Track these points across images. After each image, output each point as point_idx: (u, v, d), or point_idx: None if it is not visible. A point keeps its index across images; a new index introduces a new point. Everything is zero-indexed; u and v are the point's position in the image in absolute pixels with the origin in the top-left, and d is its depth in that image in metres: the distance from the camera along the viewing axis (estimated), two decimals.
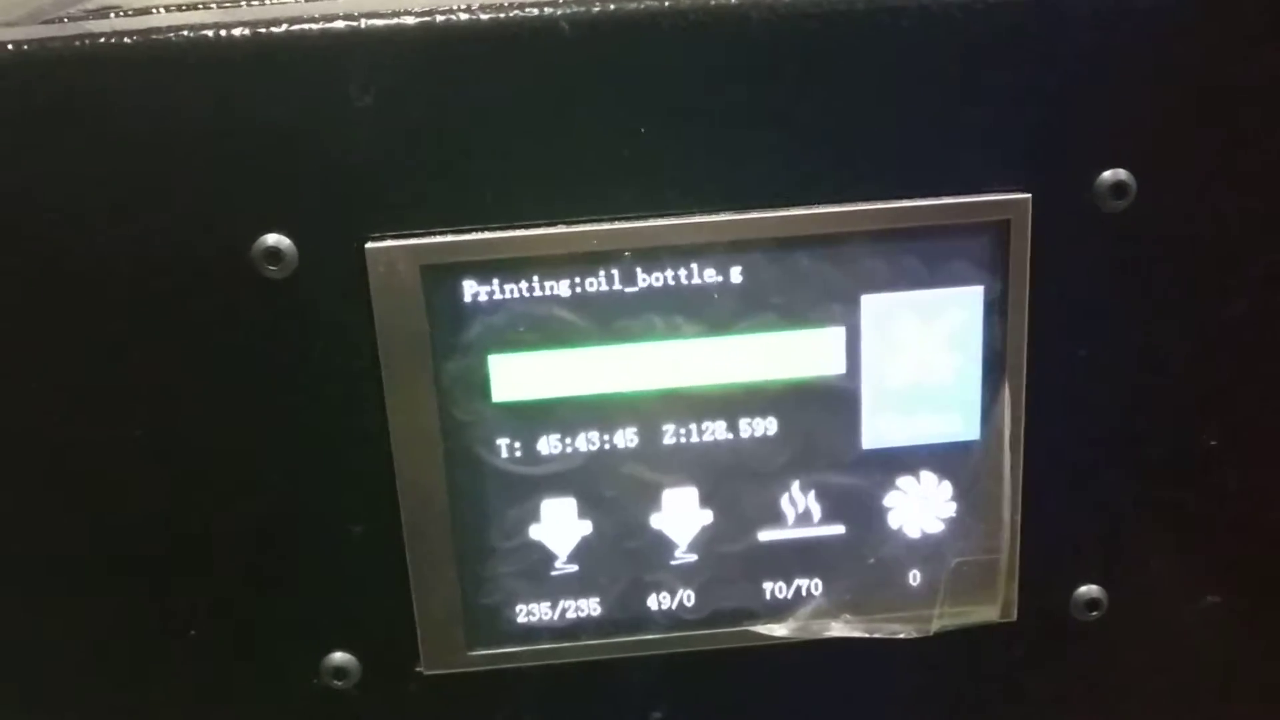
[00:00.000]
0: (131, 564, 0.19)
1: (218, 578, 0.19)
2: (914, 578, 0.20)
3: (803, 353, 0.19)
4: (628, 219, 0.18)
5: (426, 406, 0.18)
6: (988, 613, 0.20)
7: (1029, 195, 0.18)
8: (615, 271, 0.18)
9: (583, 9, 0.17)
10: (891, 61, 0.18)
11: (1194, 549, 0.21)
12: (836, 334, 0.19)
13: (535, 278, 0.18)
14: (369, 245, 0.18)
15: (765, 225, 0.18)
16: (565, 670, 0.20)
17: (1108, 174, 0.18)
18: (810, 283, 0.18)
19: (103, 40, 0.17)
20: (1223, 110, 0.18)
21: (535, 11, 0.17)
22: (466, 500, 0.19)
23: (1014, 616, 0.20)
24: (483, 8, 0.17)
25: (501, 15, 0.17)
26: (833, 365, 0.19)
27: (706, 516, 0.20)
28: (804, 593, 0.20)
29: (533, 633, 0.20)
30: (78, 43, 0.17)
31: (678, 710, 0.21)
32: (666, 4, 0.17)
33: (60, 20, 0.20)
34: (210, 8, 0.19)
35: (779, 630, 0.20)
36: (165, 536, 0.19)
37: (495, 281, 0.18)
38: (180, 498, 0.19)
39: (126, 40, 0.17)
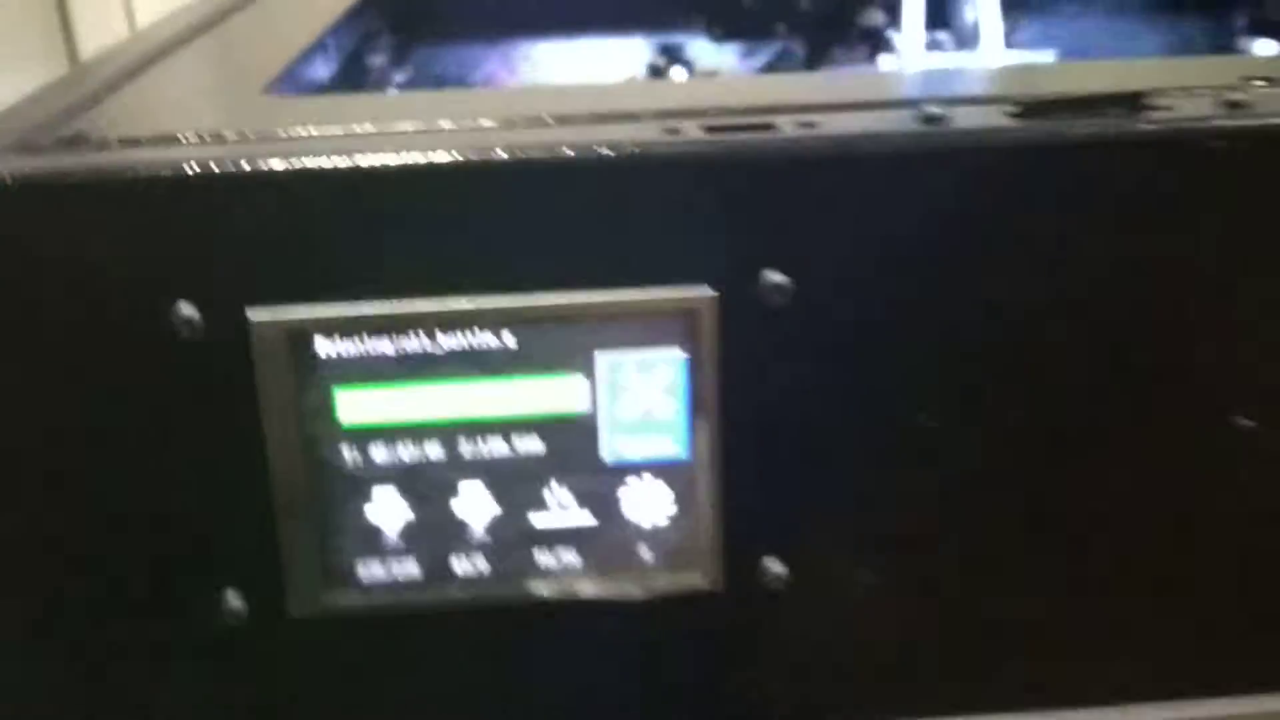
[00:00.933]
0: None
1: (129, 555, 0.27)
2: (643, 553, 0.28)
3: (557, 394, 0.26)
4: (432, 298, 0.26)
5: (291, 427, 0.26)
6: (696, 580, 0.28)
7: (715, 294, 0.26)
8: (424, 333, 0.26)
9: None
10: (613, 204, 0.25)
11: (865, 531, 0.28)
12: (581, 381, 0.26)
13: (368, 336, 0.26)
14: (250, 313, 0.25)
15: (531, 305, 0.26)
16: (393, 617, 0.28)
17: (771, 275, 0.26)
18: (561, 344, 0.26)
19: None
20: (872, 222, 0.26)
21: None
22: (320, 492, 0.27)
23: (719, 586, 0.28)
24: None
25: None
26: (579, 403, 0.26)
27: (494, 506, 0.27)
28: (564, 562, 0.27)
29: (369, 589, 0.27)
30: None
31: (478, 649, 0.29)
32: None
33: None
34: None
35: (544, 590, 0.28)
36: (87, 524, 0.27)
37: (338, 338, 0.26)
38: (100, 488, 0.27)
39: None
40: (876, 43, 0.63)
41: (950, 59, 0.50)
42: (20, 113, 0.30)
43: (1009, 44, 0.67)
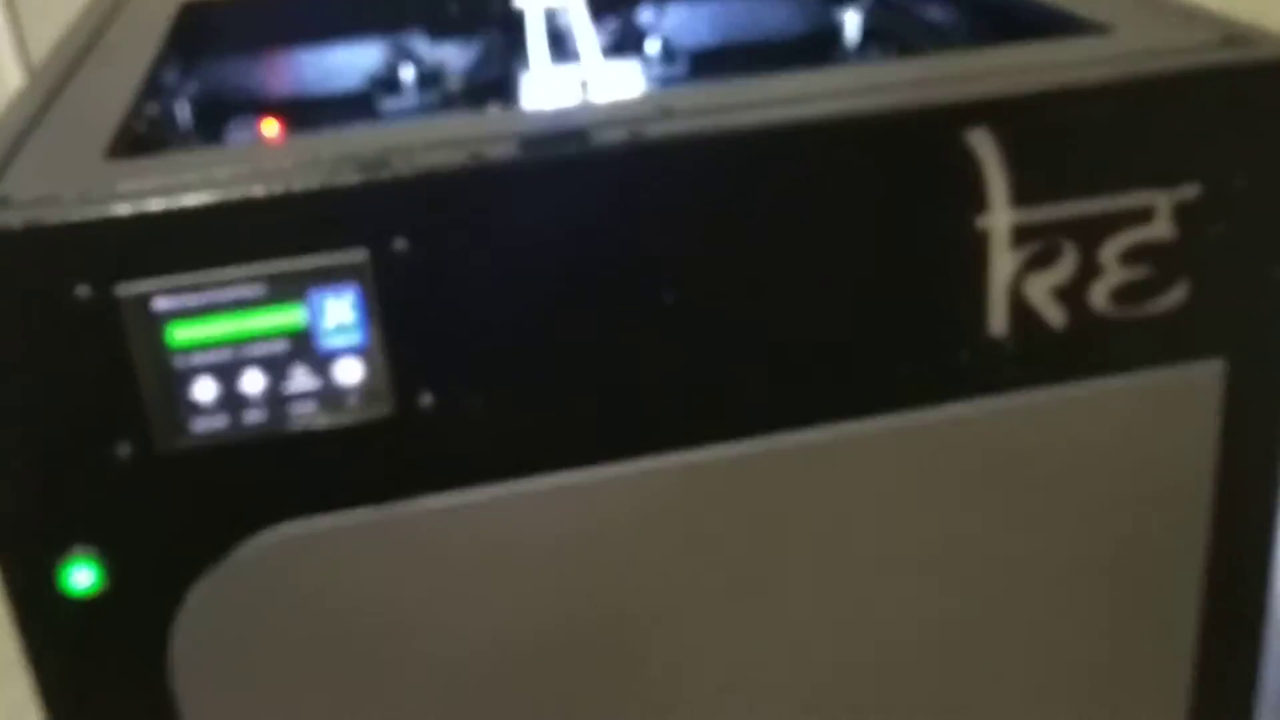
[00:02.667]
0: None
1: None
2: (349, 399, 0.50)
3: (290, 319, 0.49)
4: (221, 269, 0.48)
5: (145, 343, 0.48)
6: (382, 409, 0.51)
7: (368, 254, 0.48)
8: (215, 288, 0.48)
9: None
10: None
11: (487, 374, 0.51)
12: (304, 310, 0.49)
13: (181, 294, 0.48)
14: (117, 288, 0.47)
15: (280, 269, 0.48)
16: (213, 448, 0.50)
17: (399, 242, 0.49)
18: (293, 288, 0.48)
19: None
20: None
21: None
22: (167, 380, 0.49)
23: (393, 412, 0.51)
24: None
25: None
26: (301, 322, 0.49)
27: (263, 381, 0.50)
28: (301, 411, 0.50)
29: (198, 435, 0.49)
30: None
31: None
32: None
33: None
34: None
35: (295, 425, 0.50)
36: None
37: (165, 297, 0.47)
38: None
39: None
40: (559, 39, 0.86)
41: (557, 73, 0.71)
42: None
43: (654, 29, 0.91)
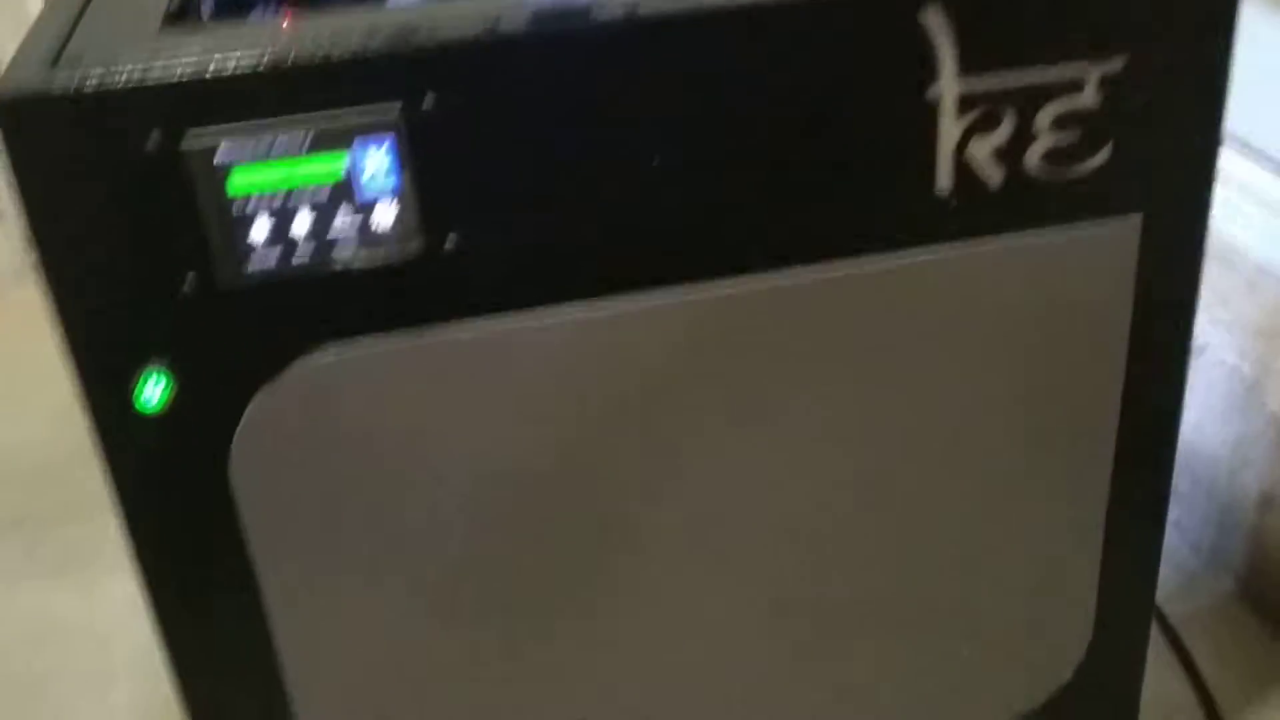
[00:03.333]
0: None
1: None
2: (388, 244, 0.58)
3: (330, 169, 0.56)
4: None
5: (209, 190, 0.55)
6: (414, 249, 0.59)
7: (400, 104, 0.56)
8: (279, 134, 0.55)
9: None
10: None
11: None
12: (344, 158, 0.56)
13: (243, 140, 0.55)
14: (184, 140, 0.54)
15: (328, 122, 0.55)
16: (268, 284, 0.58)
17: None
18: (331, 138, 0.56)
19: None
20: None
21: None
22: (225, 224, 0.56)
23: (421, 252, 0.59)
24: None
25: None
26: (343, 171, 0.56)
27: (309, 224, 0.57)
28: (346, 253, 0.58)
29: (252, 274, 0.57)
30: None
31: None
32: None
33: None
34: None
35: (339, 264, 0.58)
36: None
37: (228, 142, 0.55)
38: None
39: None
40: None
41: None
42: (30, 46, 0.57)
43: None
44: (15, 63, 0.55)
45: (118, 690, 1.00)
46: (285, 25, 0.64)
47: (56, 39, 0.57)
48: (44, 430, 1.35)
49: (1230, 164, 1.04)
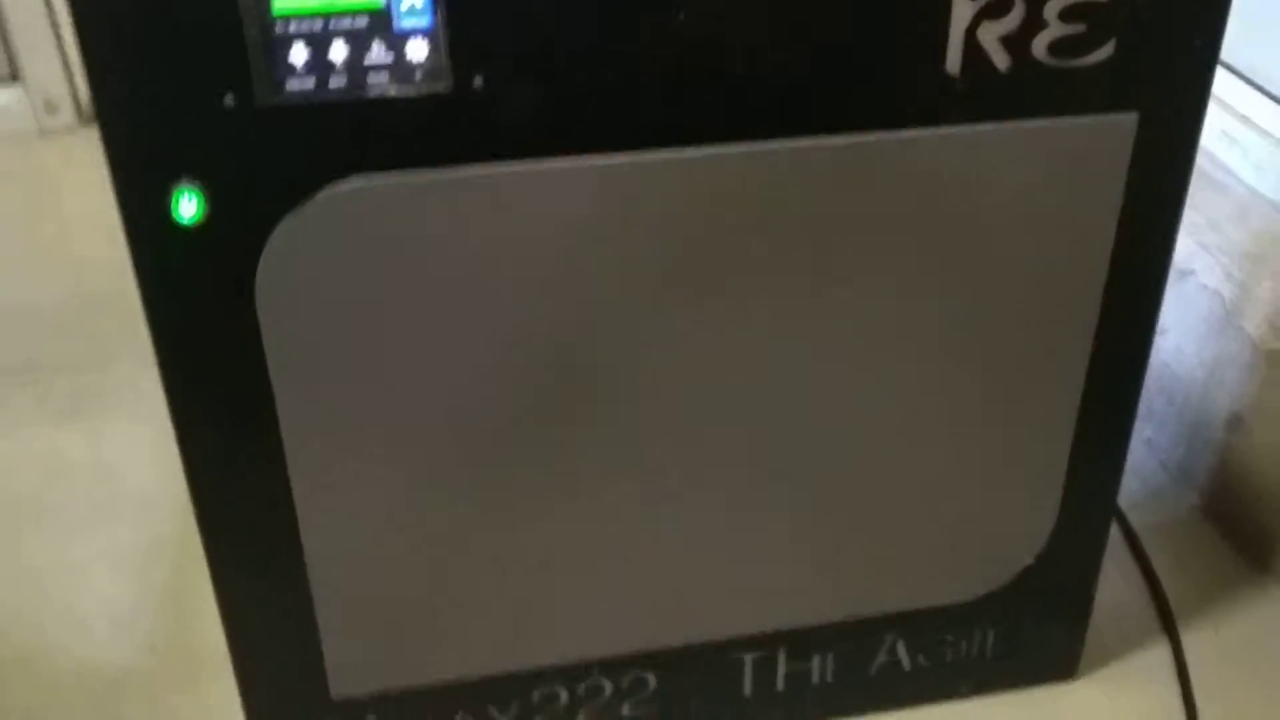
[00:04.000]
0: None
1: None
2: (418, 77, 0.61)
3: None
4: None
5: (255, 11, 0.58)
6: (441, 87, 0.61)
7: None
8: None
9: None
10: None
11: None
12: None
13: None
14: None
15: None
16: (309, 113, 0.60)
17: None
18: None
19: None
20: None
21: None
22: (268, 45, 0.59)
23: (452, 89, 0.62)
24: None
25: None
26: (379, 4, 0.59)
27: (344, 51, 0.60)
28: (379, 80, 0.60)
29: (291, 93, 0.60)
30: None
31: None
32: None
33: None
34: None
35: (377, 91, 0.61)
36: None
37: None
38: None
39: None
40: None
41: None
42: None
43: None
44: None
45: (122, 524, 1.05)
46: None
47: None
48: (59, 285, 1.38)
49: (1227, 91, 1.07)
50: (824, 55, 0.64)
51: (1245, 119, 1.05)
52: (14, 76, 1.61)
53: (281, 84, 0.59)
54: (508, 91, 0.62)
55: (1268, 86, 1.05)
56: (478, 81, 0.61)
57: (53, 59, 1.58)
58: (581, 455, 0.73)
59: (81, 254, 1.43)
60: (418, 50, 0.60)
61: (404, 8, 0.59)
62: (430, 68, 0.60)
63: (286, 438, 0.69)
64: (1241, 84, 1.07)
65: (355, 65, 0.60)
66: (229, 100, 0.59)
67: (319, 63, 0.59)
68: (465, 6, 0.59)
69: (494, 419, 0.71)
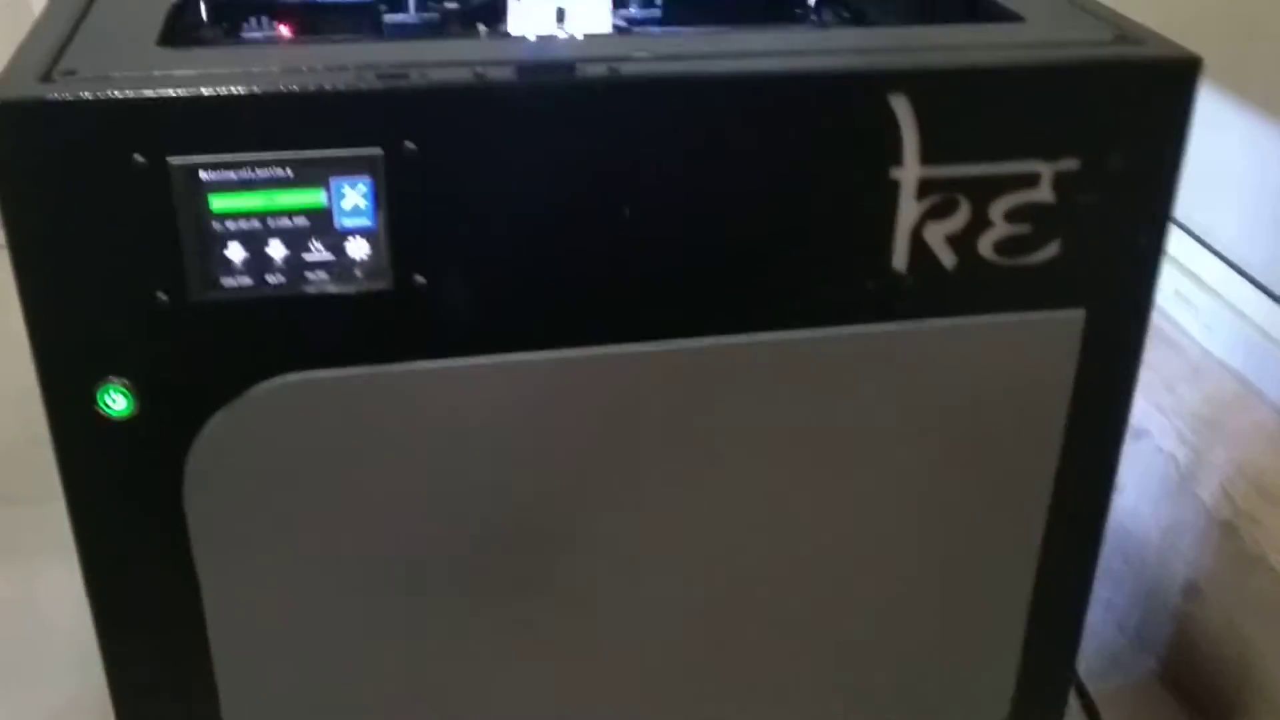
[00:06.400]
0: None
1: None
2: (357, 272, 0.60)
3: (310, 199, 0.58)
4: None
5: (190, 209, 0.57)
6: (383, 285, 0.60)
7: (380, 152, 0.58)
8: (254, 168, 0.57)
9: None
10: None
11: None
12: (323, 193, 0.58)
13: (224, 170, 0.56)
14: (170, 160, 0.55)
15: (305, 157, 0.57)
16: (237, 302, 0.59)
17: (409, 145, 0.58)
18: (311, 174, 0.57)
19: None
20: None
21: None
22: (205, 241, 0.57)
23: (391, 286, 0.60)
24: None
25: None
26: (322, 201, 0.58)
27: (284, 251, 0.59)
28: (319, 276, 0.59)
29: (225, 288, 0.58)
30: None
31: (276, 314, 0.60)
32: None
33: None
34: None
35: (311, 288, 0.59)
36: None
37: (210, 171, 0.56)
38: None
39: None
40: None
41: None
42: (27, 53, 0.58)
43: None
44: (9, 70, 0.57)
45: (58, 677, 1.01)
46: (284, 49, 0.65)
47: (52, 49, 0.59)
48: None
49: (1181, 251, 1.08)
50: (771, 253, 0.64)
51: (1197, 278, 1.06)
52: None
53: (216, 281, 0.58)
54: (448, 289, 0.61)
55: (1218, 247, 1.07)
56: (418, 279, 0.60)
57: None
58: (525, 632, 0.71)
59: (25, 379, 1.40)
60: (359, 249, 0.59)
61: (346, 206, 0.58)
62: (371, 266, 0.59)
63: (212, 627, 0.66)
64: (1193, 243, 1.08)
65: (294, 263, 0.59)
66: (161, 297, 0.58)
67: (257, 260, 0.58)
68: (408, 206, 0.59)
69: (433, 600, 0.69)
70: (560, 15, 0.79)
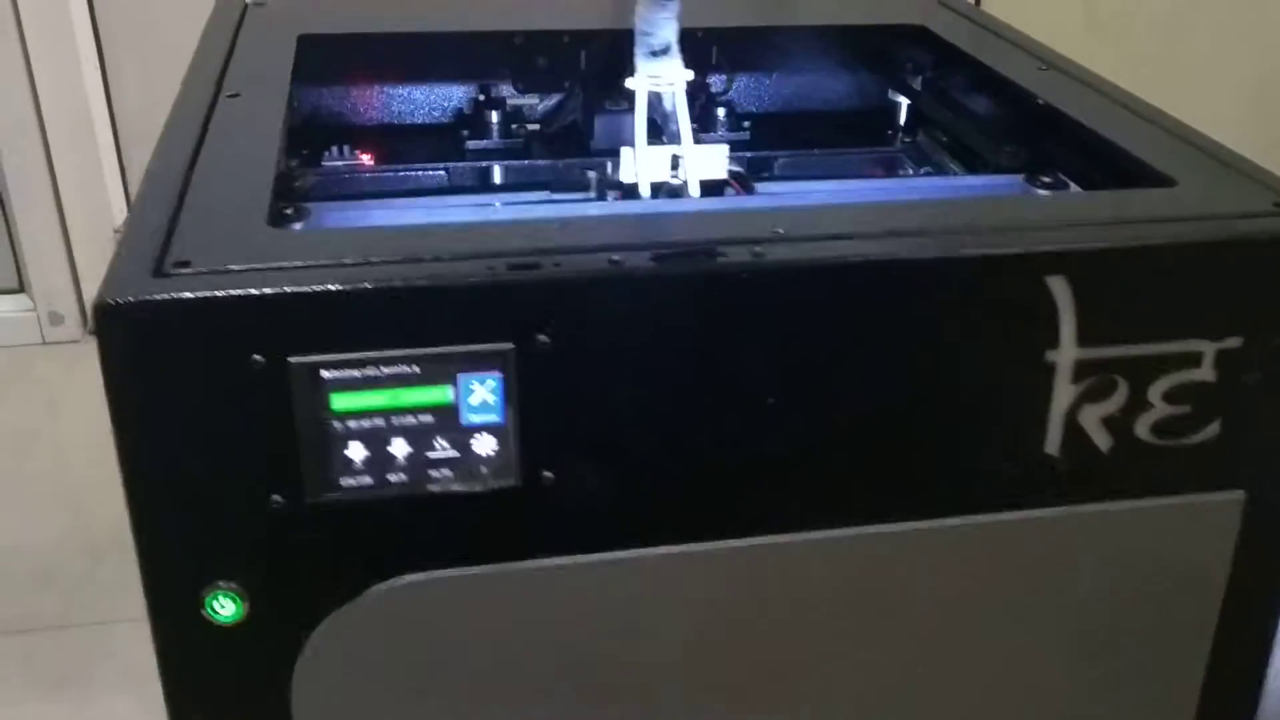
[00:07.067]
0: None
1: None
2: (482, 468, 0.56)
3: (439, 395, 0.54)
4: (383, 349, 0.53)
5: (308, 408, 0.53)
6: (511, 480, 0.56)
7: (511, 346, 0.54)
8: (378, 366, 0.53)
9: None
10: None
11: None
12: (451, 389, 0.54)
13: (344, 369, 0.53)
14: (290, 359, 0.52)
15: (433, 353, 0.53)
16: (356, 502, 0.55)
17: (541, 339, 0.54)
18: (439, 371, 0.54)
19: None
20: None
21: None
22: (323, 442, 0.54)
23: (520, 483, 0.57)
24: None
25: None
26: (450, 398, 0.54)
27: (408, 448, 0.55)
28: (443, 474, 0.55)
29: (345, 489, 0.55)
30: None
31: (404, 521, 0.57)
32: None
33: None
34: None
35: (435, 487, 0.56)
36: None
37: (331, 370, 0.53)
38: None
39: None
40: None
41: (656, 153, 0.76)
42: (134, 239, 0.55)
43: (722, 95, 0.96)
44: (119, 261, 0.54)
45: None
46: (408, 232, 0.61)
47: (159, 234, 0.55)
48: (54, 524, 1.31)
49: None
50: (918, 440, 0.60)
51: None
52: (20, 286, 1.57)
53: (335, 483, 0.54)
54: (578, 484, 0.57)
55: None
56: (545, 475, 0.56)
57: (61, 269, 1.54)
58: None
59: (79, 486, 1.37)
60: (485, 445, 0.55)
61: (473, 402, 0.55)
62: (498, 463, 0.56)
63: None
64: None
65: (416, 461, 0.55)
66: (276, 500, 0.54)
67: (377, 460, 0.54)
68: (538, 399, 0.55)
69: None
70: (675, 163, 0.76)
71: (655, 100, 0.76)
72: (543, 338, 0.54)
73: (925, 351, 0.58)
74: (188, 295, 0.51)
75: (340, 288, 0.52)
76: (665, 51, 0.75)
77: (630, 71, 0.96)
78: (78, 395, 1.47)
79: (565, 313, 0.54)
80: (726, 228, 0.59)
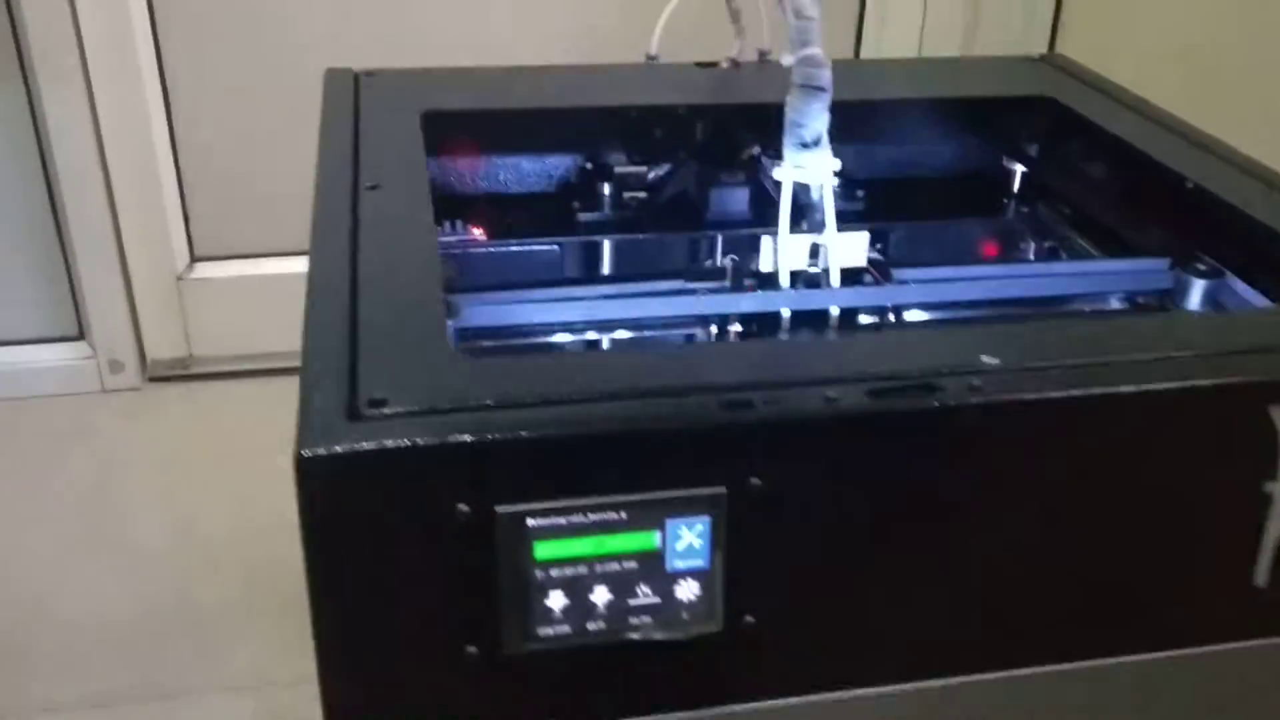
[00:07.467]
0: None
1: None
2: (684, 614, 0.53)
3: (643, 541, 0.51)
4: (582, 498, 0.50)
5: (511, 557, 0.50)
6: (712, 626, 0.53)
7: (723, 490, 0.51)
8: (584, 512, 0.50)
9: None
10: None
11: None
12: (657, 534, 0.51)
13: (546, 517, 0.50)
14: (497, 508, 0.49)
15: (635, 499, 0.50)
16: (557, 650, 0.52)
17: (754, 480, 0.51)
18: (645, 517, 0.51)
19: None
20: None
21: None
22: (525, 590, 0.51)
23: (721, 628, 0.54)
24: None
25: None
26: (656, 544, 0.51)
27: (609, 596, 0.52)
28: (643, 620, 0.53)
29: (543, 638, 0.52)
30: None
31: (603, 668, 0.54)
32: None
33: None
34: None
35: (634, 634, 0.53)
36: None
37: (535, 519, 0.50)
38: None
39: None
40: (751, 168, 0.88)
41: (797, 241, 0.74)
42: (318, 375, 0.52)
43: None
44: (308, 401, 0.51)
45: None
46: (600, 356, 0.57)
47: (342, 366, 0.53)
48: (120, 591, 1.28)
49: None
50: (1126, 575, 0.57)
51: None
52: (80, 333, 1.54)
53: (533, 633, 0.52)
54: (779, 628, 0.54)
55: None
56: (748, 619, 0.54)
57: (122, 316, 1.50)
58: None
59: (142, 547, 1.33)
60: (688, 590, 0.52)
61: (679, 548, 0.52)
62: (701, 609, 0.53)
63: None
64: None
65: (617, 609, 0.52)
66: (470, 650, 0.51)
67: (577, 608, 0.52)
68: (745, 543, 0.52)
69: None
70: (815, 251, 0.74)
71: (800, 189, 0.74)
72: (755, 480, 0.51)
73: (1138, 483, 0.56)
74: (389, 444, 0.48)
75: (551, 434, 0.49)
76: (816, 144, 0.73)
77: (748, 145, 0.93)
78: (139, 452, 1.43)
79: (779, 454, 0.51)
80: (931, 353, 0.56)
